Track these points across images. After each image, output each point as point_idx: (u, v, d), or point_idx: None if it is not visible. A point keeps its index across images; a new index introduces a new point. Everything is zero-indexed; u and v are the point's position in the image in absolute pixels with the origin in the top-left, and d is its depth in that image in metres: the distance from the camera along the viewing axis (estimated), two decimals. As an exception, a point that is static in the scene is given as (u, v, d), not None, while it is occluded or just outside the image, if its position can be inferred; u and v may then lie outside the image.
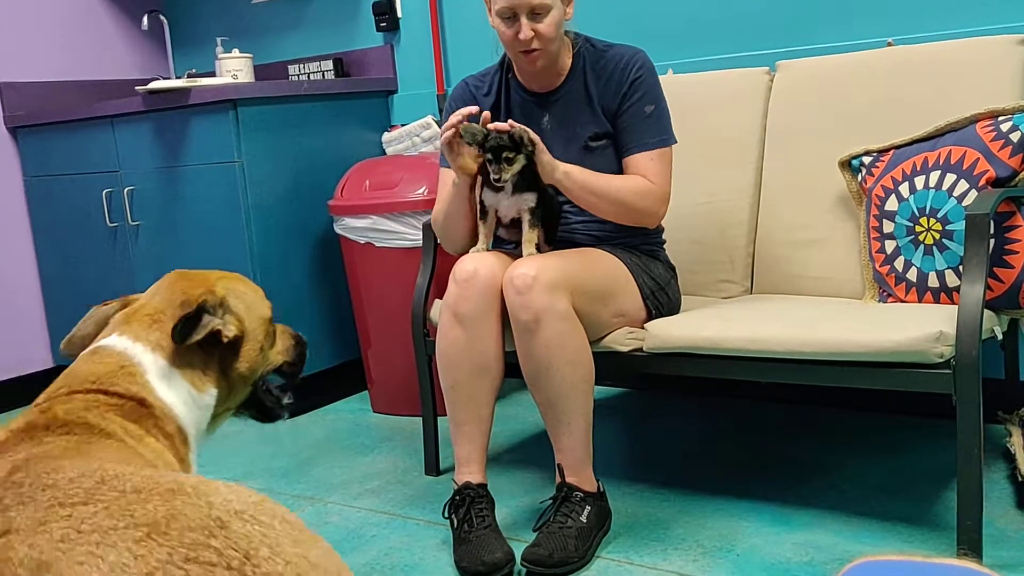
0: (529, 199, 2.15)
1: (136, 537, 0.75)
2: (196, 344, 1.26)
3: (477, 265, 2.09)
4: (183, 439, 1.19)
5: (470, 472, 2.14)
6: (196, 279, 1.33)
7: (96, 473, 0.87)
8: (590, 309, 2.09)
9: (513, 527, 2.21)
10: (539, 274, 2.00)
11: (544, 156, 2.11)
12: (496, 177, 2.09)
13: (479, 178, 2.20)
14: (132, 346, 1.23)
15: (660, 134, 2.23)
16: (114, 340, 1.23)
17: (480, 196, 2.20)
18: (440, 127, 2.43)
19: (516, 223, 2.21)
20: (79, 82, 3.94)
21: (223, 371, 1.29)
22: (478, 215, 2.22)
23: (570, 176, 2.14)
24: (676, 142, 2.25)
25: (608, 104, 2.23)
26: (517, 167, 2.10)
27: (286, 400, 1.42)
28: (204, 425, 1.28)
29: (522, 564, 2.01)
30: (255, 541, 0.79)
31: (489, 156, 2.09)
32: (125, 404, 1.15)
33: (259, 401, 1.40)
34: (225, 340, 1.27)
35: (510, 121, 2.08)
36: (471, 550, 2.01)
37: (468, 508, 2.09)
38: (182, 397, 1.24)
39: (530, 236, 2.16)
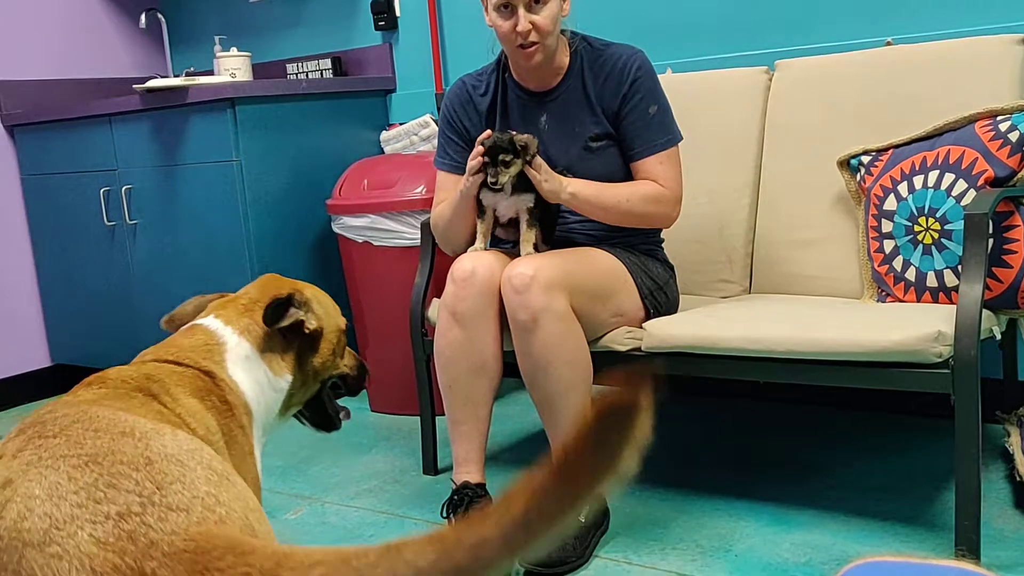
0: (527, 199, 2.15)
1: (76, 464, 0.91)
2: (279, 333, 1.43)
3: (475, 264, 2.09)
4: (247, 412, 1.34)
5: (468, 472, 2.14)
6: (286, 281, 1.51)
7: (82, 414, 1.02)
8: (588, 309, 2.09)
9: (511, 527, 2.21)
10: (537, 273, 2.00)
11: (546, 185, 2.11)
12: (493, 180, 2.09)
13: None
14: (223, 328, 1.40)
15: (666, 134, 2.23)
16: (209, 320, 1.41)
17: (478, 196, 2.20)
18: (438, 125, 2.43)
19: (514, 223, 2.21)
20: (77, 80, 3.93)
21: (299, 363, 1.45)
22: (477, 216, 2.22)
23: (577, 196, 2.16)
24: (682, 138, 2.25)
25: (608, 105, 2.23)
26: (514, 170, 2.10)
27: (343, 417, 1.57)
28: (276, 409, 1.43)
29: (520, 563, 2.01)
30: (171, 477, 0.91)
31: (486, 159, 2.09)
32: (191, 374, 1.31)
33: (322, 406, 1.55)
34: (306, 331, 1.43)
35: (513, 132, 2.10)
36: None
37: (466, 508, 2.09)
38: (255, 377, 1.39)
39: (528, 236, 2.16)
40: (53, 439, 0.96)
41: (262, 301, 1.43)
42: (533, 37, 2.13)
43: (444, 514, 2.14)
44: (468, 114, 2.33)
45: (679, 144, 2.25)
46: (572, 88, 2.25)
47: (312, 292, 1.52)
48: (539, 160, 2.11)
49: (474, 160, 2.11)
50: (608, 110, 2.23)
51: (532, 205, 2.15)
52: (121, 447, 0.94)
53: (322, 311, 1.50)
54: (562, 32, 2.25)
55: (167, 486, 0.90)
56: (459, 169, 2.31)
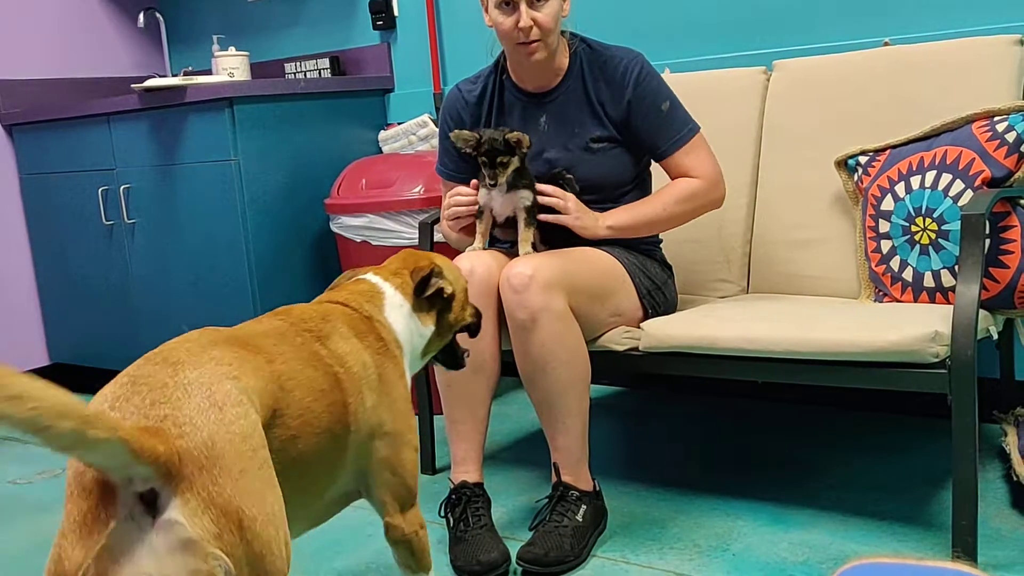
0: (525, 198, 2.16)
1: (125, 380, 1.19)
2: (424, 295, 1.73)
3: (473, 264, 2.09)
4: (399, 347, 1.63)
5: (466, 471, 2.14)
6: (424, 254, 1.81)
7: (167, 348, 1.29)
8: (587, 308, 2.09)
9: (509, 526, 2.21)
10: (536, 273, 2.00)
11: (578, 223, 2.15)
12: (492, 182, 2.11)
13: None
14: (382, 282, 1.71)
15: (685, 125, 2.25)
16: (370, 276, 1.73)
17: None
18: (436, 126, 2.44)
19: (511, 222, 2.21)
20: (75, 80, 3.93)
21: (438, 318, 1.75)
22: (476, 217, 2.23)
23: (615, 227, 2.20)
24: (699, 127, 2.27)
25: (612, 110, 2.23)
26: (511, 169, 2.12)
27: (466, 357, 1.90)
28: (419, 351, 1.73)
29: (518, 563, 2.01)
30: (165, 397, 1.13)
31: (484, 160, 2.10)
32: (356, 317, 1.59)
33: (452, 349, 1.86)
34: (445, 295, 1.74)
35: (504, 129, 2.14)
36: (467, 549, 2.02)
37: (464, 507, 2.09)
38: (405, 323, 1.69)
39: (526, 235, 2.17)
40: (139, 361, 1.25)
41: (406, 269, 1.74)
42: (535, 34, 2.13)
43: (442, 513, 2.14)
44: (464, 121, 2.33)
45: (700, 131, 2.27)
46: (572, 89, 2.26)
47: (442, 261, 1.79)
48: (573, 199, 2.16)
49: (462, 209, 2.21)
50: (612, 115, 2.23)
51: (529, 204, 2.16)
52: (155, 372, 1.18)
53: (452, 277, 1.78)
54: (562, 33, 2.25)
55: (157, 403, 1.12)
56: (457, 177, 2.33)
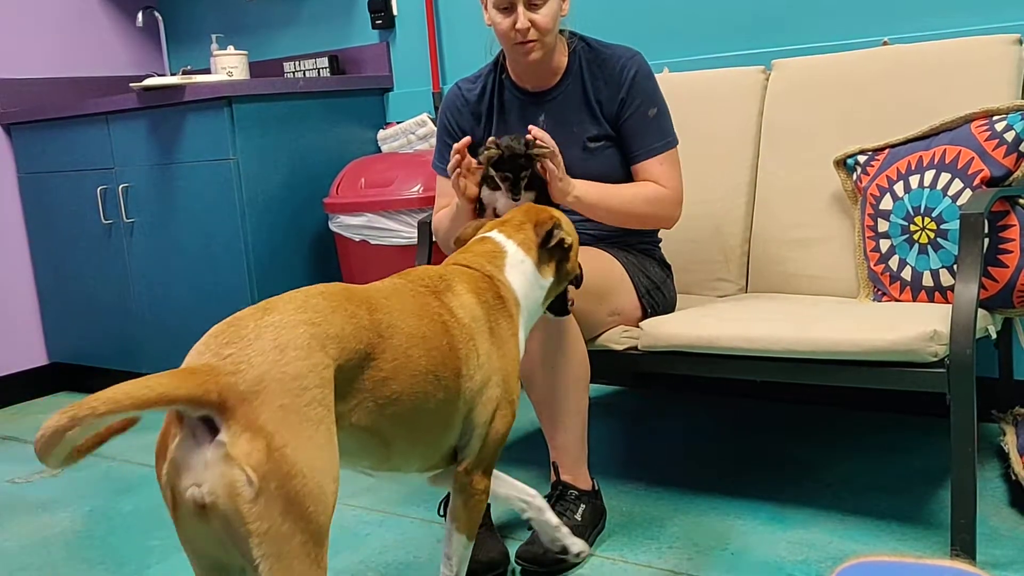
0: (528, 198, 2.15)
1: (223, 324, 1.37)
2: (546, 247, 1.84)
3: (472, 264, 2.09)
4: (516, 305, 1.74)
5: (466, 470, 2.14)
6: (544, 209, 1.90)
7: (324, 287, 1.45)
8: (586, 307, 2.09)
9: (508, 525, 2.21)
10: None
11: (559, 184, 2.09)
12: (516, 197, 2.07)
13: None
14: (506, 241, 1.80)
15: (664, 137, 2.24)
16: (495, 234, 1.82)
17: (478, 195, 2.19)
18: (435, 125, 2.43)
19: None
20: (74, 79, 3.93)
21: (557, 268, 1.85)
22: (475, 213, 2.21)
23: (582, 199, 2.14)
24: (678, 142, 2.26)
25: (608, 108, 2.23)
26: (526, 175, 2.08)
27: (571, 306, 1.97)
28: (539, 303, 1.83)
29: (516, 562, 2.01)
30: (239, 336, 1.30)
31: (508, 174, 2.06)
32: (476, 276, 1.71)
33: (562, 298, 1.93)
34: (565, 247, 1.84)
35: (532, 130, 2.06)
36: (466, 548, 2.01)
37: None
38: (526, 278, 1.78)
39: None
40: (251, 307, 1.40)
41: (528, 223, 1.84)
42: (532, 35, 2.13)
43: (442, 512, 2.14)
44: (464, 118, 2.32)
45: (677, 147, 2.25)
46: (571, 88, 2.25)
47: (559, 214, 1.88)
48: (559, 159, 2.08)
49: (455, 164, 2.07)
50: (607, 112, 2.23)
51: (532, 203, 2.15)
52: (247, 315, 1.34)
53: (568, 229, 1.87)
54: (560, 32, 2.25)
55: (230, 343, 1.29)
56: None
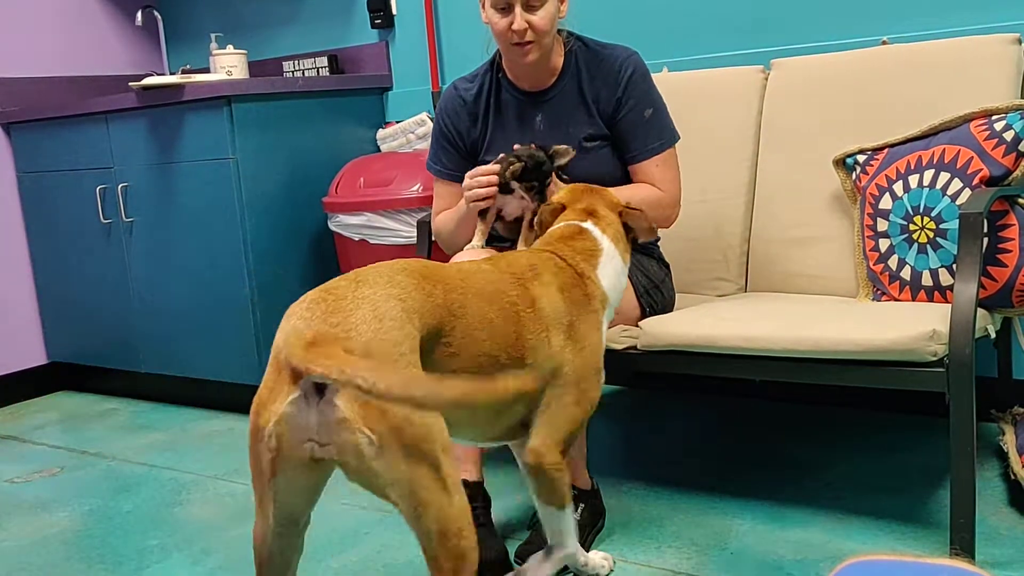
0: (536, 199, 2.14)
1: (319, 292, 1.47)
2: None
3: (471, 262, 2.09)
4: (603, 300, 1.82)
5: (466, 471, 2.14)
6: (604, 191, 1.97)
7: (369, 269, 1.56)
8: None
9: (508, 525, 2.21)
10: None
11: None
12: (544, 202, 2.06)
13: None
14: (601, 237, 1.86)
15: (661, 136, 2.23)
16: (592, 228, 1.87)
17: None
18: (433, 124, 2.42)
19: (518, 220, 2.20)
20: (73, 78, 3.93)
21: (632, 248, 1.96)
22: (478, 213, 2.19)
23: None
24: (679, 138, 2.26)
25: (604, 108, 2.23)
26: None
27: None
28: (622, 290, 1.91)
29: (516, 561, 2.01)
30: (339, 307, 1.42)
31: (534, 183, 2.06)
32: (568, 272, 1.77)
33: None
34: (645, 227, 1.95)
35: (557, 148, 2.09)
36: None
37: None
38: (616, 273, 1.86)
39: (529, 235, 2.16)
40: (338, 277, 1.52)
41: (613, 213, 1.92)
42: (529, 36, 2.13)
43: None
44: (461, 119, 2.32)
45: (676, 144, 2.26)
46: (567, 88, 2.25)
47: (614, 194, 1.98)
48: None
49: (484, 189, 2.09)
50: (603, 112, 2.23)
51: (537, 204, 2.15)
52: (342, 286, 1.46)
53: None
54: (558, 32, 2.25)
55: (334, 312, 1.40)
56: (454, 177, 2.32)
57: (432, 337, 1.52)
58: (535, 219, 2.00)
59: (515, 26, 2.11)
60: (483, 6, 2.19)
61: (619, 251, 1.89)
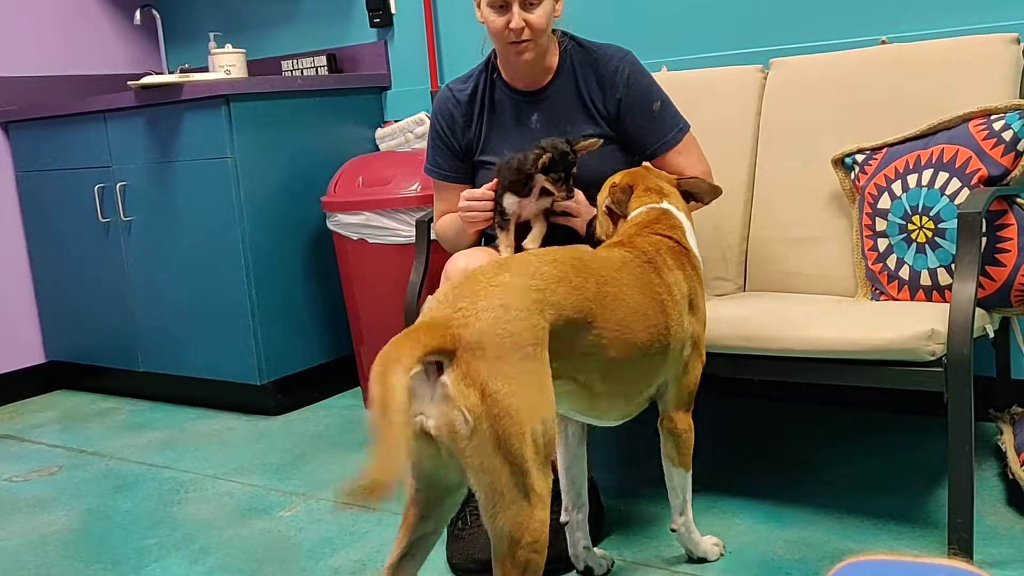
0: (547, 200, 2.14)
1: (496, 261, 1.60)
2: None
3: (468, 262, 2.09)
4: (701, 267, 1.93)
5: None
6: (654, 170, 2.07)
7: (562, 253, 1.65)
8: (583, 306, 2.09)
9: (506, 524, 2.21)
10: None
11: (580, 220, 2.15)
12: (571, 194, 2.09)
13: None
14: (678, 213, 1.96)
15: (676, 125, 2.26)
16: (670, 207, 1.96)
17: (502, 205, 2.15)
18: (429, 127, 2.42)
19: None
20: (71, 76, 3.93)
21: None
22: (497, 225, 2.17)
23: None
24: (689, 125, 2.28)
25: (604, 108, 2.23)
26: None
27: None
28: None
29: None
30: (472, 292, 1.48)
31: (561, 174, 2.07)
32: (677, 249, 1.87)
33: None
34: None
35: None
36: (463, 547, 2.02)
37: (463, 506, 2.08)
38: (694, 239, 1.96)
39: (537, 233, 2.16)
40: (492, 262, 1.58)
41: (672, 191, 2.02)
42: (526, 35, 2.14)
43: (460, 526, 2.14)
44: (456, 120, 2.32)
45: (691, 129, 2.28)
46: (563, 87, 2.25)
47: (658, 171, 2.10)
48: (583, 201, 2.14)
49: (479, 213, 2.15)
50: (604, 113, 2.24)
51: (550, 205, 2.15)
52: (482, 272, 1.52)
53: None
54: (552, 32, 2.25)
55: (464, 296, 1.46)
56: (452, 178, 2.33)
57: (577, 329, 1.56)
58: (610, 200, 2.02)
59: (512, 24, 2.11)
60: (478, 5, 2.19)
61: (690, 221, 2.00)
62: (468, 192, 2.20)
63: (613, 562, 2.01)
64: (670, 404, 1.88)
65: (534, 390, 1.45)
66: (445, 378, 1.40)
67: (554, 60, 2.26)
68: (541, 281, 1.52)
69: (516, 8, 2.11)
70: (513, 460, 1.40)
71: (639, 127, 2.24)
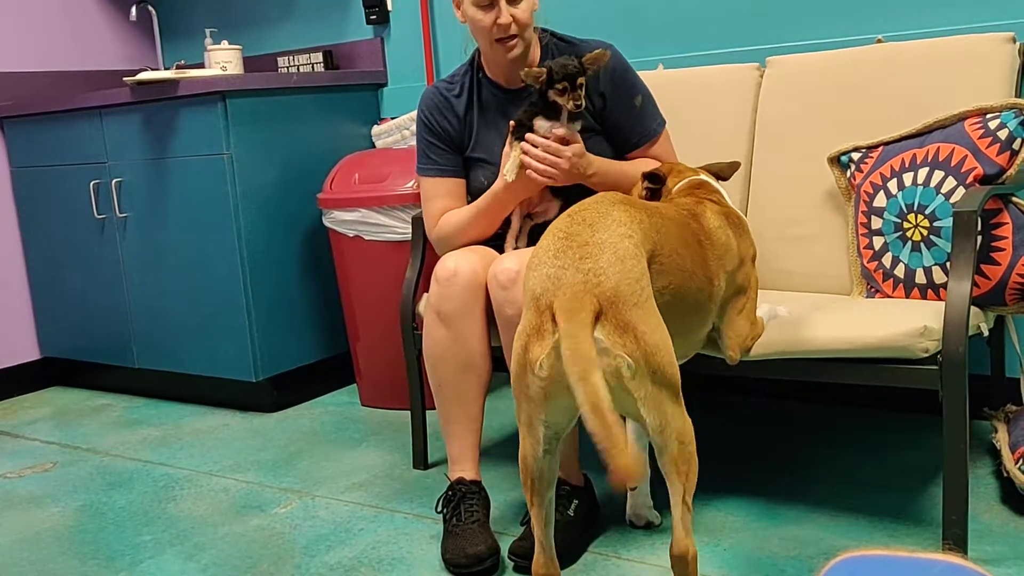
0: (576, 127, 2.16)
1: (557, 237, 1.66)
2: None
3: (458, 263, 2.10)
4: (737, 216, 2.05)
5: (463, 469, 2.15)
6: (683, 166, 2.19)
7: (586, 212, 1.71)
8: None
9: (502, 521, 2.21)
10: (523, 269, 2.00)
11: (578, 159, 2.12)
12: (578, 104, 2.07)
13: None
14: (715, 182, 2.11)
15: (655, 120, 2.31)
16: (705, 178, 2.11)
17: (522, 132, 2.15)
18: (416, 128, 2.43)
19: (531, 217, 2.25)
20: (67, 73, 3.92)
21: None
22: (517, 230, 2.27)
23: (600, 174, 2.18)
24: (666, 120, 2.34)
25: (589, 102, 2.23)
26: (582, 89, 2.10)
27: None
28: None
29: (509, 557, 2.01)
30: (587, 252, 1.60)
31: (566, 84, 2.06)
32: (721, 209, 2.01)
33: None
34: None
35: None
36: (457, 543, 2.02)
37: (458, 503, 2.09)
38: (731, 199, 2.12)
39: (515, 229, 2.18)
40: (564, 219, 1.70)
41: (701, 171, 2.15)
42: (513, 30, 2.15)
43: (439, 509, 2.15)
44: (446, 116, 2.33)
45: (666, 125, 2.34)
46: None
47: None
48: (579, 138, 2.14)
49: (549, 167, 2.11)
50: (589, 106, 2.24)
51: (573, 104, 2.13)
52: (579, 232, 1.64)
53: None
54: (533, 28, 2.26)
55: (584, 258, 1.59)
56: (448, 172, 2.32)
57: (651, 259, 1.71)
58: (648, 178, 2.10)
59: (501, 20, 2.12)
60: (458, 5, 2.21)
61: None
62: (531, 136, 2.12)
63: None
64: (731, 342, 1.99)
65: (661, 324, 1.63)
66: (598, 334, 1.54)
67: (537, 55, 2.28)
68: (627, 228, 1.66)
69: (503, 4, 2.12)
70: (668, 383, 1.60)
71: (622, 120, 2.27)
